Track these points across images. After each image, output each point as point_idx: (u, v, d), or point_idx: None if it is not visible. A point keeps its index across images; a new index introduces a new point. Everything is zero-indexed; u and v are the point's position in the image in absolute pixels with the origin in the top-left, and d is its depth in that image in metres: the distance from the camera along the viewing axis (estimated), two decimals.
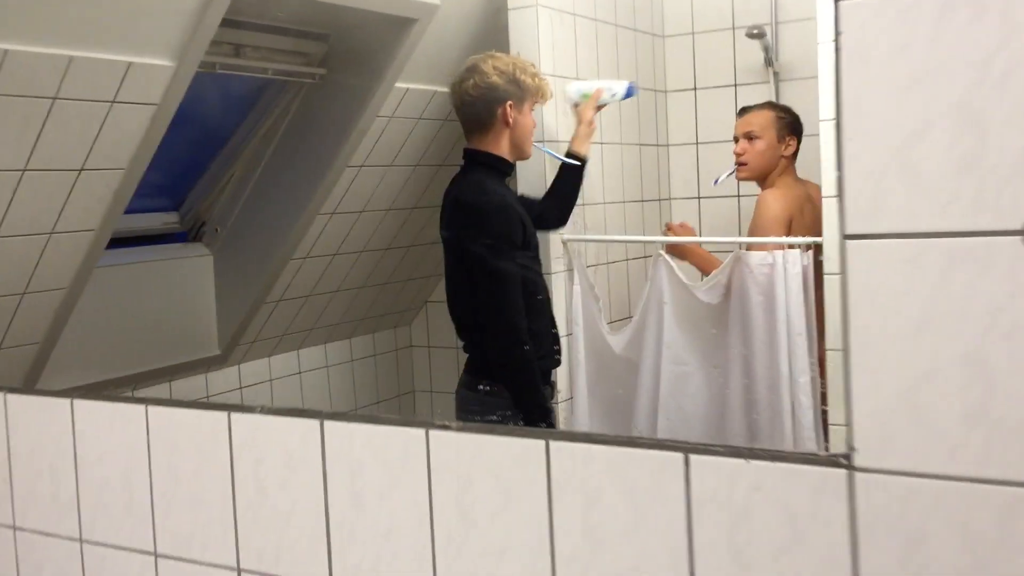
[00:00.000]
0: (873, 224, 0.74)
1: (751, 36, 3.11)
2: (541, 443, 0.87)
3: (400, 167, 2.98)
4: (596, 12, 2.91)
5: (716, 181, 2.96)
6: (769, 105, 2.88)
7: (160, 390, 2.86)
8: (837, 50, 0.74)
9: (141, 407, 1.15)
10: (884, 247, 0.74)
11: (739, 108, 2.93)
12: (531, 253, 2.35)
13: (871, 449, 0.75)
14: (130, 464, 1.14)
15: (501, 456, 0.89)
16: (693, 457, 0.81)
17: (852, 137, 0.74)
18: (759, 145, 2.79)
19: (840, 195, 0.75)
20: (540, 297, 2.39)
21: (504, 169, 2.36)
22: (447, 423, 0.94)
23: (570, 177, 2.58)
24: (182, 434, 1.10)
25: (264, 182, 2.82)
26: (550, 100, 2.42)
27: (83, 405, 1.18)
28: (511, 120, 2.31)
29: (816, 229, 2.58)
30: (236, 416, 1.06)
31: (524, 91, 2.32)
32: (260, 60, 2.47)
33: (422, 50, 2.61)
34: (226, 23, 2.15)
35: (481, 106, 2.31)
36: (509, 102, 2.30)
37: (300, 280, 3.01)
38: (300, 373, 3.34)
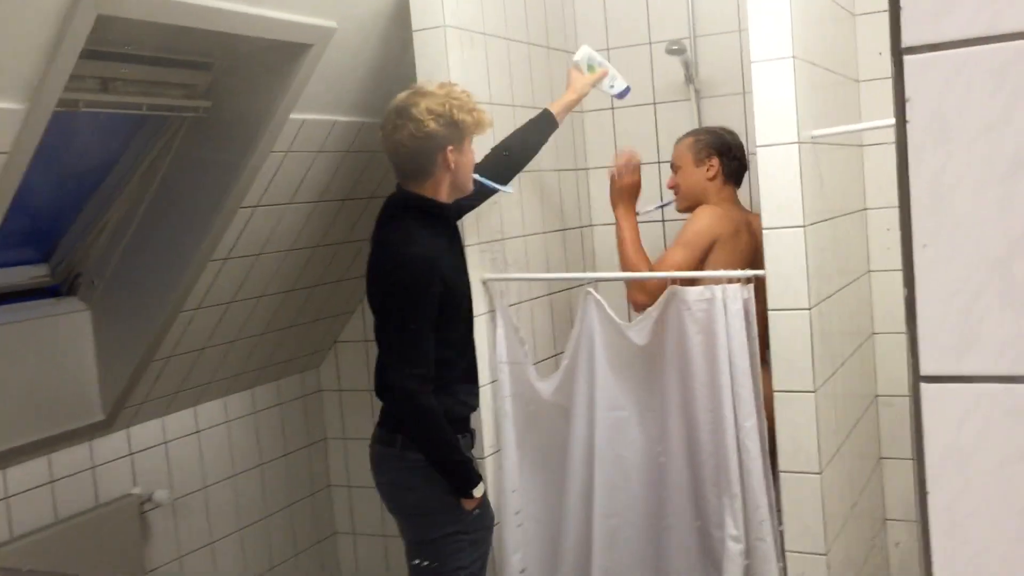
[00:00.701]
0: (963, 363, 0.53)
1: (671, 52, 2.93)
2: None
3: (300, 204, 2.71)
4: (507, 31, 2.69)
5: (639, 212, 2.75)
6: (692, 132, 2.74)
7: (38, 465, 2.54)
8: (901, 122, 0.53)
9: None
10: (980, 394, 0.53)
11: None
12: (455, 304, 2.20)
13: None
14: None
15: None
16: None
17: (929, 243, 0.53)
18: (681, 174, 2.68)
19: (910, 320, 0.54)
20: (455, 350, 2.23)
21: (438, 214, 2.20)
22: None
23: (541, 134, 2.52)
24: None
25: (146, 227, 2.53)
26: (490, 129, 2.26)
27: None
28: (453, 164, 2.14)
29: (755, 259, 2.42)
30: None
31: (464, 131, 2.14)
32: (133, 95, 2.18)
33: (319, 77, 2.36)
34: (88, 55, 1.86)
35: (420, 155, 2.13)
36: (449, 147, 2.12)
37: (193, 332, 2.72)
38: (198, 432, 3.03)
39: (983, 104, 0.51)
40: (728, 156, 2.66)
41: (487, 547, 2.30)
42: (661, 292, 2.38)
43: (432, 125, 2.08)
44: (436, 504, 2.20)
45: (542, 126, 2.51)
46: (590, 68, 2.63)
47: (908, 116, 0.53)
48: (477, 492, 2.19)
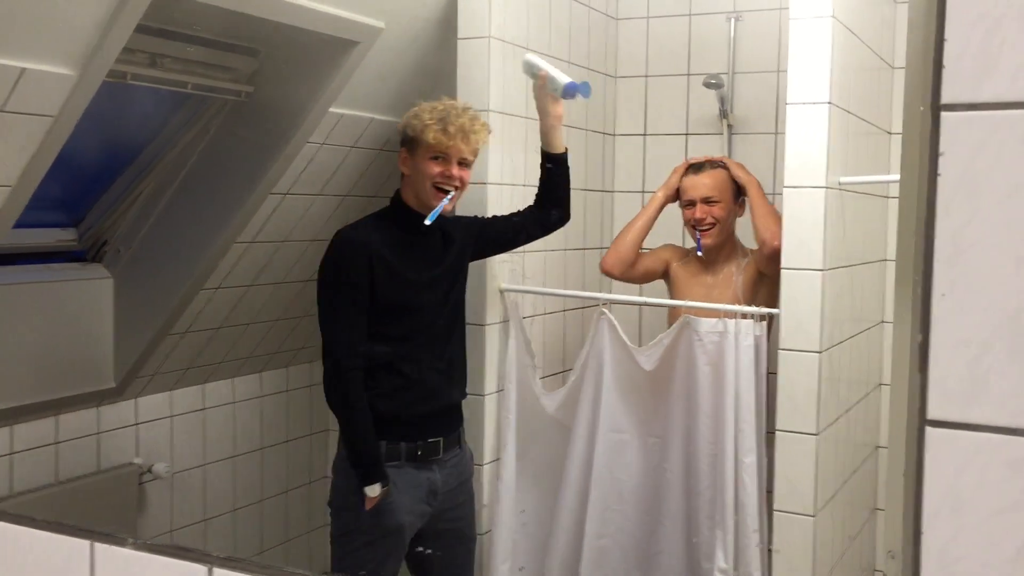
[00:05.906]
0: (968, 411, 0.56)
1: (708, 85, 2.97)
2: None
3: (328, 196, 2.75)
4: (550, 48, 2.73)
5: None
6: (721, 164, 2.66)
7: (46, 425, 2.58)
8: (932, 175, 0.55)
9: None
10: (981, 443, 0.55)
11: (689, 166, 2.68)
12: (395, 299, 2.21)
13: None
14: None
15: None
16: None
17: (947, 293, 0.55)
18: (718, 210, 2.60)
19: (922, 364, 0.57)
20: (391, 347, 2.23)
21: (394, 217, 2.27)
22: None
23: (557, 172, 2.40)
24: (30, 560, 0.86)
25: (177, 203, 2.56)
26: (433, 143, 2.18)
27: None
28: (404, 169, 2.27)
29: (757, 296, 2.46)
30: (101, 548, 0.83)
31: (413, 139, 2.22)
32: (179, 73, 2.22)
33: (362, 74, 2.40)
34: (141, 29, 1.91)
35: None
36: (403, 149, 2.26)
37: (211, 311, 2.75)
38: (204, 409, 3.07)
39: (1013, 166, 0.54)
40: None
41: (387, 556, 2.24)
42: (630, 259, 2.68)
43: (401, 123, 2.25)
44: (341, 500, 2.24)
45: (551, 171, 2.41)
46: (533, 77, 2.36)
47: (940, 170, 0.55)
48: (370, 492, 2.15)
